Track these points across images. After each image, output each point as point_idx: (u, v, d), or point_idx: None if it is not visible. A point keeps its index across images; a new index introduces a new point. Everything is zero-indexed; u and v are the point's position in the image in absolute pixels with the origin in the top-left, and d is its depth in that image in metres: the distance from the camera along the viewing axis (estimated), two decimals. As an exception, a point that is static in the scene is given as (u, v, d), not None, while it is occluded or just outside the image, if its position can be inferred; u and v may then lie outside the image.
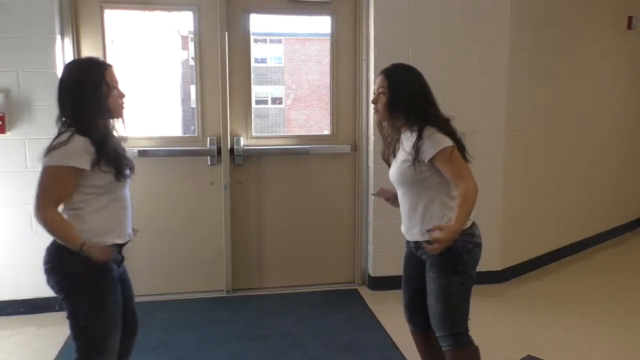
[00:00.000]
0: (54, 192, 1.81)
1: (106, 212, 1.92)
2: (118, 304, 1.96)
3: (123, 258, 2.07)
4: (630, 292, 3.84)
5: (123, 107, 1.99)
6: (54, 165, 1.80)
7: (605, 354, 2.92)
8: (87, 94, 1.87)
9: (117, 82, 1.96)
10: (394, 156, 2.23)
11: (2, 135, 3.18)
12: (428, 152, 2.02)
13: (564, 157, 4.37)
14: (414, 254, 2.27)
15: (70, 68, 1.97)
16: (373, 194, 2.69)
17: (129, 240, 2.03)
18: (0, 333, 3.12)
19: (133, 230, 2.08)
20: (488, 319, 3.34)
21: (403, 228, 2.28)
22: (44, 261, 1.91)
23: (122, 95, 1.98)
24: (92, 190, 1.88)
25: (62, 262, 1.87)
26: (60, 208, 1.88)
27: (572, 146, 4.44)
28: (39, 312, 3.32)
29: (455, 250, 2.06)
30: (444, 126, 2.08)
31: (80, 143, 1.82)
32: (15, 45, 3.15)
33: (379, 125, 2.29)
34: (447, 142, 2.02)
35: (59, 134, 1.86)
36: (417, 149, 2.03)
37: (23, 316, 3.30)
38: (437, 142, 2.02)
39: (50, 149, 1.82)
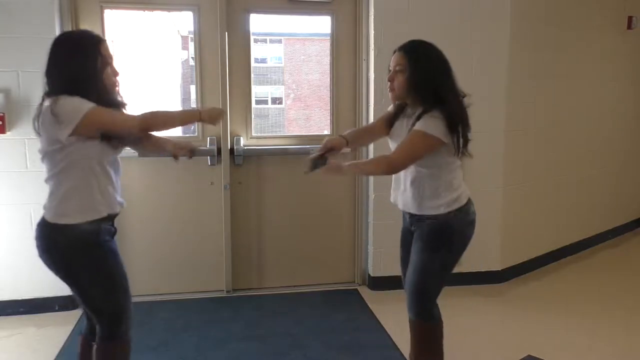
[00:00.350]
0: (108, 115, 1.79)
1: (95, 183, 1.87)
2: (122, 276, 1.93)
3: (116, 230, 2.02)
4: (630, 292, 3.84)
5: (117, 86, 1.92)
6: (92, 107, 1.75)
7: (605, 354, 2.92)
8: (81, 66, 1.79)
9: (111, 57, 1.89)
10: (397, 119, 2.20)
11: (2, 135, 3.18)
12: (417, 126, 1.99)
13: (564, 157, 4.37)
14: (408, 229, 2.27)
15: (62, 39, 1.89)
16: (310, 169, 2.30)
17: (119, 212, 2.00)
18: (0, 333, 3.12)
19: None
20: (488, 319, 3.35)
21: (398, 199, 2.25)
22: (38, 244, 1.88)
23: (116, 73, 1.91)
24: (84, 160, 1.82)
25: (56, 244, 1.85)
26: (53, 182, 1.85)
27: (572, 146, 4.44)
28: (39, 312, 3.32)
29: (449, 226, 2.07)
30: (455, 116, 2.01)
31: (76, 98, 1.76)
32: (15, 45, 3.15)
33: (393, 102, 2.22)
34: (432, 130, 1.97)
35: (43, 99, 1.80)
36: (414, 124, 2.02)
37: (23, 316, 3.29)
38: (427, 124, 1.98)
39: (47, 110, 1.75)
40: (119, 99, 1.95)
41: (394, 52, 2.13)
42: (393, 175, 2.22)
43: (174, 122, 1.84)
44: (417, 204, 2.14)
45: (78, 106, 1.75)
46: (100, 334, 1.92)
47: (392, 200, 2.31)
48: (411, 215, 2.21)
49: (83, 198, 1.85)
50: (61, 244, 1.85)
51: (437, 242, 2.11)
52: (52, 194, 1.87)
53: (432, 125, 1.98)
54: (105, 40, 1.89)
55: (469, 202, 2.17)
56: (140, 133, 1.81)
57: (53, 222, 1.84)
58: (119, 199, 1.98)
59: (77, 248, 1.85)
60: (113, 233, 2.00)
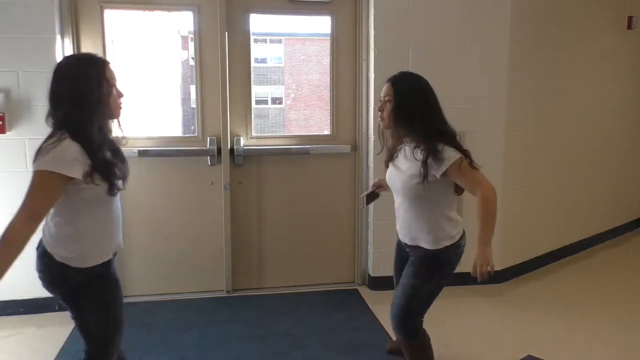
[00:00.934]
0: (36, 205, 1.69)
1: (100, 228, 1.87)
2: (121, 304, 1.98)
3: (115, 254, 2.03)
4: (630, 292, 3.84)
5: (121, 108, 1.88)
6: (41, 170, 1.67)
7: (605, 354, 2.92)
8: (87, 93, 1.74)
9: (115, 79, 1.86)
10: (392, 160, 2.28)
11: (2, 135, 3.18)
12: (439, 168, 2.05)
13: (564, 157, 4.37)
14: (403, 248, 2.37)
15: (68, 63, 1.83)
16: (365, 203, 2.71)
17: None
18: (0, 333, 3.12)
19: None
20: (488, 319, 3.35)
21: (398, 228, 2.35)
22: (43, 276, 1.85)
23: (120, 95, 1.87)
24: (83, 204, 1.79)
25: (66, 279, 1.84)
26: (49, 220, 1.82)
27: (572, 146, 4.44)
28: (39, 312, 3.32)
29: (440, 259, 2.19)
30: (451, 141, 2.11)
31: (73, 150, 1.70)
32: (15, 45, 3.15)
33: (380, 132, 2.32)
34: (455, 154, 2.06)
35: (50, 135, 1.74)
36: (426, 166, 2.06)
37: (23, 316, 3.30)
38: (448, 156, 2.05)
39: (38, 152, 1.71)
40: (118, 123, 1.90)
41: (385, 82, 2.21)
42: (397, 206, 2.31)
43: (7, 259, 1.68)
44: (411, 237, 2.24)
45: (48, 158, 1.69)
46: (85, 356, 1.95)
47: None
48: (406, 244, 2.31)
49: (98, 243, 1.86)
50: (71, 279, 1.84)
51: (428, 272, 2.21)
52: (59, 237, 1.82)
53: (446, 155, 2.06)
54: (108, 63, 1.84)
55: (462, 236, 2.25)
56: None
57: (63, 262, 1.82)
58: (120, 236, 2.00)
59: (86, 283, 1.86)
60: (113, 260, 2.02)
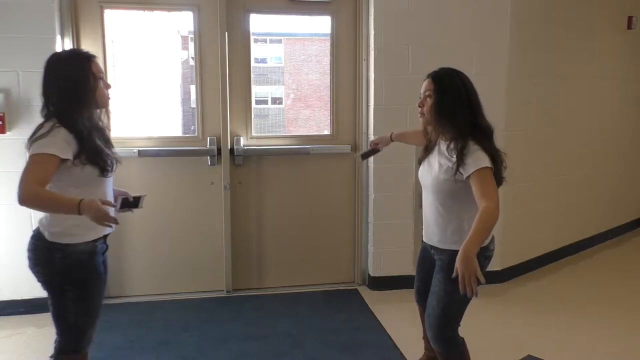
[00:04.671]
0: (37, 173, 1.76)
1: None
2: (102, 297, 2.03)
3: (107, 247, 2.09)
4: (630, 292, 3.84)
5: (109, 98, 2.00)
6: (36, 153, 1.78)
7: (605, 354, 2.92)
8: (74, 88, 1.86)
9: (102, 72, 1.96)
10: (426, 157, 2.26)
11: (2, 135, 3.18)
12: (469, 168, 2.02)
13: (564, 157, 4.37)
14: (428, 250, 2.31)
15: (54, 61, 1.94)
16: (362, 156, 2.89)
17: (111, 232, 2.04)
18: (0, 333, 3.12)
19: (134, 197, 2.09)
20: (488, 319, 3.34)
21: (425, 229, 2.31)
22: (31, 255, 1.91)
23: (107, 86, 1.99)
24: (75, 185, 1.86)
25: (52, 261, 1.88)
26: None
27: (572, 146, 4.44)
28: (39, 312, 3.31)
29: None
30: (487, 143, 2.09)
31: (62, 134, 1.81)
32: (15, 45, 3.15)
33: (424, 130, 2.28)
34: (486, 162, 2.02)
35: (41, 125, 1.84)
36: (460, 164, 2.04)
37: (23, 316, 3.29)
38: (477, 160, 2.02)
39: (31, 141, 1.80)
40: (107, 113, 2.02)
41: (425, 78, 2.20)
42: (425, 206, 2.27)
43: (54, 209, 1.82)
44: (439, 238, 2.19)
45: (41, 143, 1.79)
46: (60, 347, 2.00)
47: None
48: (432, 246, 2.25)
49: (83, 218, 1.86)
50: (57, 261, 1.89)
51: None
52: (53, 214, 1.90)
53: (479, 158, 2.04)
54: (94, 57, 1.96)
55: (492, 240, 2.22)
56: (20, 201, 1.78)
57: (51, 240, 1.88)
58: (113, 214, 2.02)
59: (72, 267, 1.90)
60: (105, 250, 2.07)
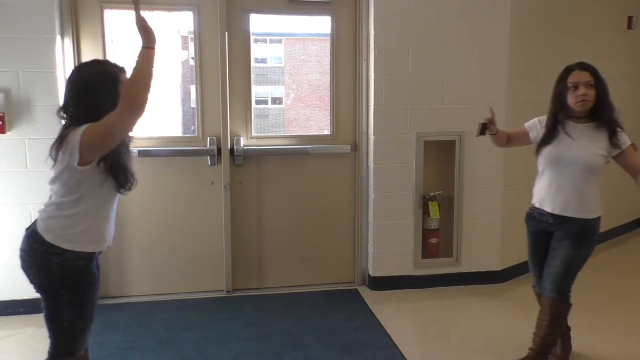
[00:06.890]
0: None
1: (99, 217, 1.93)
2: (96, 300, 2.02)
3: (101, 250, 2.07)
4: (630, 292, 3.84)
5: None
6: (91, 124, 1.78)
7: (605, 354, 2.92)
8: (108, 103, 1.83)
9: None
10: (554, 138, 2.59)
11: (2, 135, 3.18)
12: (617, 147, 2.49)
13: (564, 157, 4.36)
14: (545, 231, 2.66)
15: (89, 71, 1.93)
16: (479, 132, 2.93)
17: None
18: (0, 333, 3.12)
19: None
20: (488, 319, 3.34)
21: (550, 203, 2.64)
22: (25, 255, 1.92)
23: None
24: (92, 189, 1.86)
25: (49, 264, 1.87)
26: (55, 201, 1.88)
27: (572, 146, 4.43)
28: (39, 312, 3.25)
29: (594, 228, 2.59)
30: (620, 125, 2.56)
31: None
32: (15, 45, 3.15)
33: (553, 117, 2.60)
34: (628, 139, 2.52)
35: (68, 125, 1.84)
36: (614, 143, 2.48)
37: (23, 316, 3.29)
38: (624, 139, 2.53)
39: (74, 132, 1.80)
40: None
41: (573, 69, 2.53)
42: (554, 181, 2.63)
43: (148, 69, 1.83)
44: (575, 207, 2.55)
45: (77, 130, 1.81)
46: (53, 351, 1.99)
47: (538, 204, 2.73)
48: (555, 217, 2.59)
49: (93, 230, 1.91)
50: (54, 265, 1.87)
51: (584, 242, 2.58)
52: (59, 217, 1.88)
53: (625, 136, 2.54)
54: (124, 70, 1.95)
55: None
56: (134, 116, 1.79)
57: (52, 242, 1.86)
58: (111, 236, 2.06)
59: (69, 271, 1.88)
60: (99, 253, 2.06)
